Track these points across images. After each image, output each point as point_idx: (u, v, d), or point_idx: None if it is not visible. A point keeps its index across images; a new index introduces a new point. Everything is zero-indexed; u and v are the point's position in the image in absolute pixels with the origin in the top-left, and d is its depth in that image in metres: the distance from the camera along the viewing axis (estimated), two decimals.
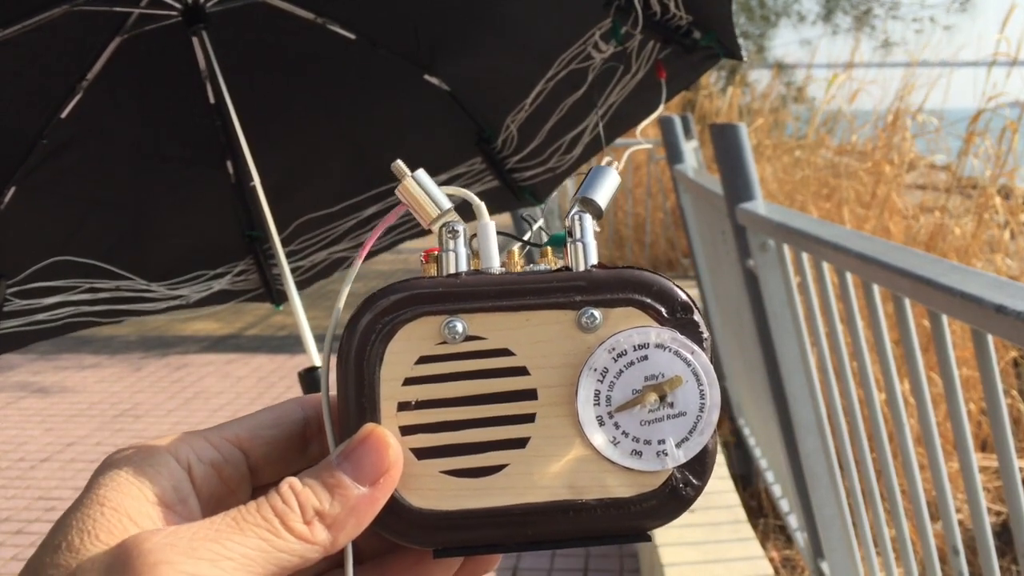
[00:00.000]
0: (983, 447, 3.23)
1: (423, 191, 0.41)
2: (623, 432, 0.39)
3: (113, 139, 1.77)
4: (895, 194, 4.44)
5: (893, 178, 4.60)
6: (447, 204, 0.40)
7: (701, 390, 0.39)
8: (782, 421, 2.23)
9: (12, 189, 1.67)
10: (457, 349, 0.39)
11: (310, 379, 1.60)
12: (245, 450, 0.40)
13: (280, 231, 1.65)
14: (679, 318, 0.39)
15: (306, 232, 1.83)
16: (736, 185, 2.32)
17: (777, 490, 2.86)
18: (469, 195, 0.42)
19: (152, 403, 4.62)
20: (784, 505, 2.75)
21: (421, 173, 0.41)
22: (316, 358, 1.60)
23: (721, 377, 3.69)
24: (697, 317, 0.40)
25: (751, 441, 3.28)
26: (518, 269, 0.40)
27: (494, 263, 0.40)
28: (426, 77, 1.76)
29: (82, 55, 1.64)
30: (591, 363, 0.39)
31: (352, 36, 1.72)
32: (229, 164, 1.79)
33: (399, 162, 0.41)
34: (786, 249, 2.06)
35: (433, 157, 1.82)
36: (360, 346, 0.38)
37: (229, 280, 1.85)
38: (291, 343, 5.50)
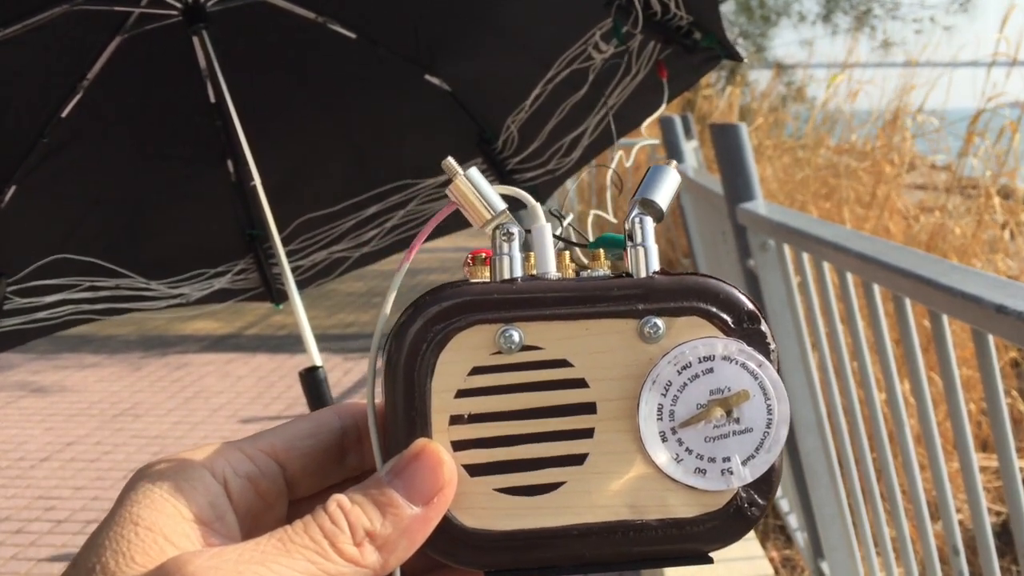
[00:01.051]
0: (983, 447, 3.23)
1: (476, 191, 0.38)
2: (687, 449, 0.37)
3: (113, 138, 1.77)
4: (895, 194, 4.44)
5: (893, 178, 4.60)
6: (501, 205, 0.38)
7: (768, 405, 0.37)
8: None
9: (12, 187, 1.68)
10: (513, 360, 0.37)
11: (311, 379, 1.60)
12: (281, 462, 0.38)
13: (280, 230, 1.65)
14: (745, 328, 0.38)
15: (306, 231, 1.83)
16: (736, 185, 2.32)
17: (777, 490, 2.86)
18: (524, 195, 0.39)
19: (152, 402, 4.62)
20: (784, 505, 2.75)
21: (474, 171, 0.38)
22: (317, 357, 1.60)
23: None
24: (764, 327, 0.38)
25: None
26: (570, 273, 0.38)
27: (550, 268, 0.38)
28: (427, 77, 1.76)
29: (82, 54, 1.64)
30: (654, 376, 0.37)
31: (353, 35, 1.72)
32: (229, 163, 1.79)
33: (450, 159, 0.38)
34: (786, 249, 2.06)
35: (433, 157, 1.82)
36: (410, 355, 0.36)
37: (229, 279, 1.85)
38: (291, 342, 5.50)
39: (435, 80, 1.76)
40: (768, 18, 13.55)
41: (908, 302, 1.45)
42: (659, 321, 0.37)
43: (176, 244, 1.84)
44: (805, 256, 1.93)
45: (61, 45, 1.62)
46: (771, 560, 2.72)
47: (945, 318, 1.33)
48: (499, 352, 0.37)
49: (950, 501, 1.46)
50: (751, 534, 2.55)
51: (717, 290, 0.38)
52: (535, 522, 0.37)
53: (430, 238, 0.42)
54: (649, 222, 0.39)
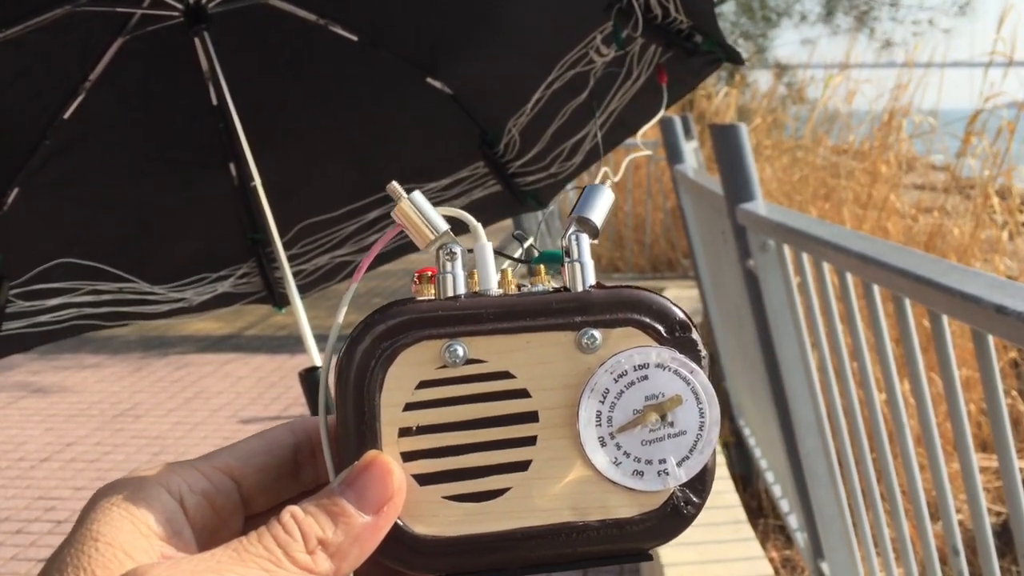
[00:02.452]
0: (983, 447, 3.23)
1: (419, 213, 0.40)
2: (624, 452, 0.39)
3: (115, 140, 1.77)
4: (893, 194, 4.44)
5: (890, 178, 4.61)
6: (444, 226, 0.40)
7: (700, 409, 0.39)
8: (782, 421, 2.24)
9: (15, 190, 1.68)
10: (458, 373, 0.38)
11: (311, 379, 1.60)
12: (236, 479, 0.40)
13: (282, 234, 1.65)
14: (677, 337, 0.40)
15: (308, 236, 1.83)
16: (736, 185, 2.32)
17: (777, 490, 2.86)
18: (466, 216, 0.41)
19: (152, 403, 4.63)
20: (784, 505, 2.75)
21: (417, 195, 0.40)
22: (317, 358, 1.60)
23: (721, 378, 3.70)
24: (695, 335, 0.40)
25: (751, 441, 3.29)
26: (512, 289, 0.40)
27: (492, 285, 0.40)
28: (428, 80, 1.76)
29: (84, 56, 1.65)
30: (592, 384, 0.39)
31: (354, 38, 1.72)
32: (231, 166, 1.79)
33: (394, 183, 0.40)
34: (786, 249, 2.06)
35: (435, 160, 1.82)
36: (359, 371, 0.38)
37: (232, 283, 1.85)
38: (291, 343, 5.50)
39: (437, 83, 1.77)
40: (769, 18, 13.55)
41: (908, 302, 1.45)
42: (596, 332, 0.39)
43: (178, 248, 1.84)
44: (805, 256, 1.93)
45: (63, 46, 1.62)
46: (771, 560, 2.73)
47: (945, 318, 1.34)
48: (444, 366, 0.38)
49: (950, 501, 1.46)
50: (751, 534, 2.55)
51: (650, 302, 0.40)
52: (483, 527, 0.38)
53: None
54: (585, 239, 0.41)
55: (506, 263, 0.42)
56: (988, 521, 1.37)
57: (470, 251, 0.40)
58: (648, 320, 0.39)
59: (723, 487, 2.85)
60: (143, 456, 3.95)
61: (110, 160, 1.77)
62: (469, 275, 0.40)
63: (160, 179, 1.80)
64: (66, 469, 3.84)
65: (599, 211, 0.42)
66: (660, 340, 0.39)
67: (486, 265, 0.40)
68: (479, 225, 0.41)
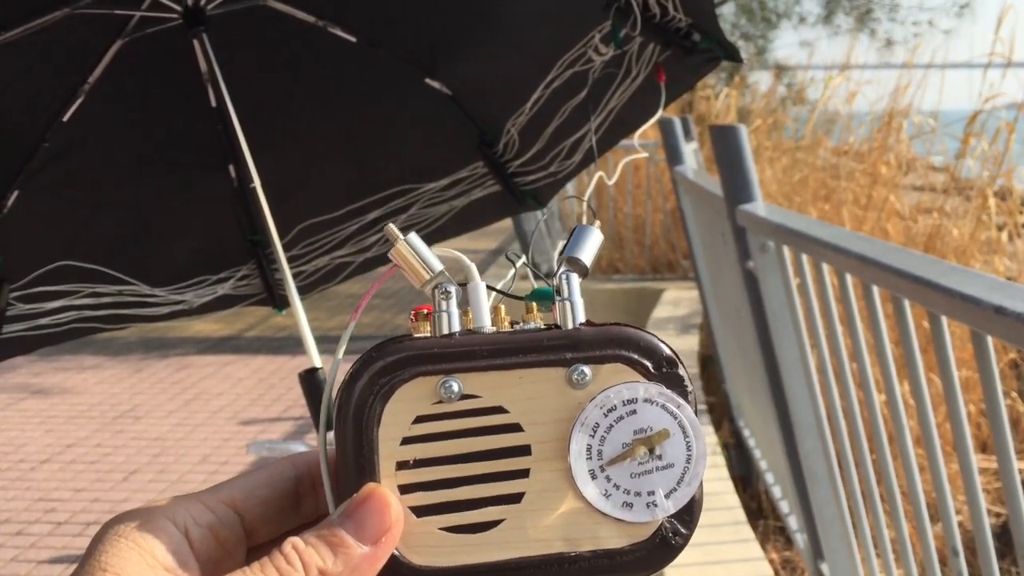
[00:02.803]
0: (983, 448, 3.23)
1: (415, 254, 0.41)
2: (614, 485, 0.40)
3: (114, 142, 1.77)
4: (893, 195, 4.44)
5: (889, 179, 4.61)
6: (438, 266, 0.41)
7: (687, 442, 0.40)
8: (782, 422, 2.23)
9: (15, 193, 1.68)
10: (453, 408, 0.40)
11: (310, 380, 1.60)
12: (240, 511, 0.41)
13: (282, 236, 1.65)
14: (664, 372, 0.41)
15: (308, 237, 1.83)
16: (736, 186, 2.32)
17: (777, 491, 2.86)
18: (460, 256, 0.43)
19: (152, 404, 4.63)
20: (784, 506, 2.75)
21: (413, 236, 0.42)
22: (317, 359, 1.60)
23: (721, 379, 3.70)
24: (682, 371, 0.41)
25: (751, 442, 3.29)
26: (505, 326, 0.41)
27: (486, 322, 0.41)
28: (427, 81, 1.76)
29: (83, 58, 1.65)
30: (582, 419, 0.40)
31: (353, 39, 1.72)
32: (231, 168, 1.79)
33: (391, 225, 0.42)
34: (786, 250, 2.06)
35: (435, 161, 1.82)
36: (358, 407, 0.39)
37: (231, 285, 1.85)
38: (291, 344, 5.50)
39: (435, 84, 1.76)
40: (769, 20, 13.56)
41: (907, 303, 1.45)
42: (586, 368, 0.40)
43: (178, 250, 1.84)
44: (804, 257, 1.93)
45: (62, 49, 1.62)
46: (771, 562, 2.73)
47: (944, 319, 1.34)
48: (440, 401, 0.40)
49: (949, 502, 1.46)
50: (751, 535, 2.55)
51: (638, 339, 0.41)
52: (478, 557, 0.40)
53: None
54: (575, 278, 0.42)
55: (493, 296, 0.44)
56: (988, 522, 1.37)
57: (463, 285, 0.42)
58: (636, 356, 0.41)
59: (723, 488, 2.85)
60: (143, 458, 3.95)
61: (109, 162, 1.77)
62: (464, 312, 0.41)
63: (159, 181, 1.80)
64: (66, 471, 3.84)
65: (588, 251, 0.43)
66: (648, 376, 0.41)
67: (480, 304, 0.42)
68: (472, 265, 0.43)
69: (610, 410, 0.40)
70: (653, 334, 0.41)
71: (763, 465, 3.06)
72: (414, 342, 0.40)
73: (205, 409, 4.53)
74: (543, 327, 0.42)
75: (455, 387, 0.39)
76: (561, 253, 0.43)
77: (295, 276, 1.68)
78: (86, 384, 4.99)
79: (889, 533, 1.82)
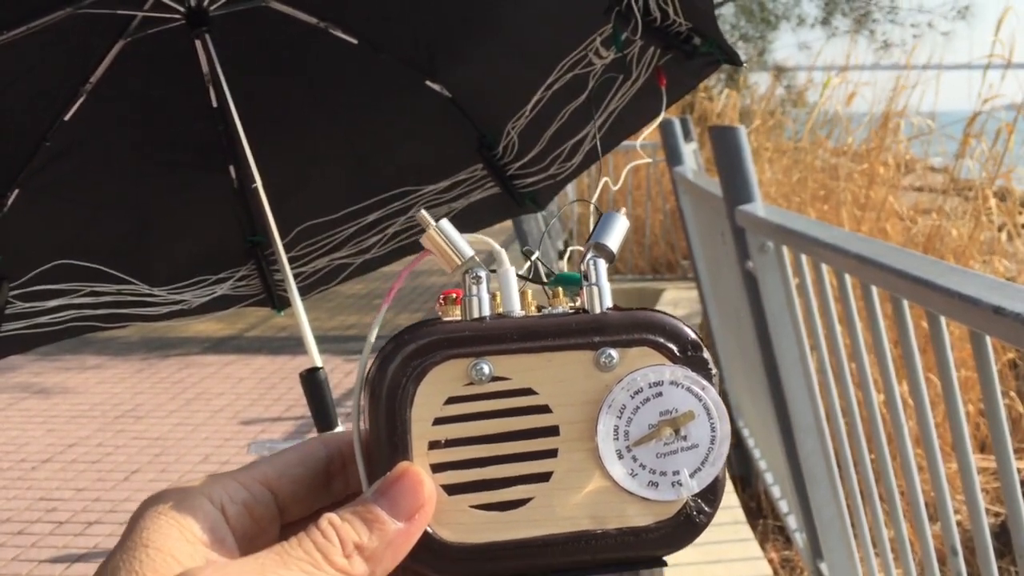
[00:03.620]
0: (981, 448, 3.24)
1: (447, 240, 0.43)
2: (640, 465, 0.41)
3: (116, 142, 1.77)
4: (891, 196, 4.45)
5: (888, 180, 4.61)
6: (469, 252, 0.43)
7: (712, 423, 0.42)
8: (781, 422, 2.24)
9: (16, 192, 1.68)
10: (484, 390, 0.41)
11: (311, 380, 1.61)
12: (273, 489, 0.42)
13: (281, 237, 1.65)
14: (690, 356, 0.42)
15: (307, 238, 1.83)
16: (735, 187, 2.33)
17: (776, 491, 2.87)
18: (491, 243, 0.44)
19: (153, 404, 4.63)
20: (783, 506, 2.75)
21: (445, 222, 0.43)
22: (317, 359, 1.61)
23: (721, 380, 3.70)
24: (706, 354, 0.42)
25: (750, 442, 3.29)
26: (533, 310, 0.43)
27: (515, 307, 0.42)
28: (428, 83, 1.76)
29: (85, 58, 1.65)
30: (609, 400, 0.41)
31: (354, 41, 1.72)
32: (231, 168, 1.79)
33: (424, 212, 0.43)
34: (785, 251, 2.07)
35: (434, 162, 1.83)
36: (392, 388, 0.40)
37: (231, 285, 1.86)
38: (292, 344, 5.51)
39: (436, 86, 1.77)
40: (768, 21, 13.56)
41: (906, 304, 1.46)
42: (613, 352, 0.42)
43: (178, 250, 1.84)
44: (804, 258, 1.94)
45: (64, 48, 1.62)
46: (770, 561, 2.73)
47: (943, 319, 1.34)
48: (471, 383, 0.41)
49: (948, 502, 1.47)
50: (750, 535, 2.55)
51: (664, 323, 0.42)
52: (507, 535, 0.41)
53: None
54: (602, 263, 0.44)
55: (521, 283, 0.45)
56: (986, 522, 1.37)
57: (493, 271, 0.43)
58: (662, 340, 0.42)
59: None
60: (144, 457, 3.95)
61: (110, 162, 1.77)
62: (492, 297, 0.42)
63: (160, 181, 1.80)
64: (67, 470, 3.85)
65: (615, 237, 0.45)
66: (673, 359, 0.42)
67: (509, 288, 0.43)
68: (503, 251, 0.44)
69: (636, 392, 0.41)
70: (678, 319, 0.42)
71: (762, 465, 3.07)
72: (446, 325, 0.41)
73: (206, 409, 4.53)
74: (571, 311, 0.43)
75: (486, 369, 0.40)
76: (588, 239, 0.44)
77: (294, 277, 1.68)
78: (87, 384, 4.99)
79: (888, 532, 1.83)
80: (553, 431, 0.41)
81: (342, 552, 0.38)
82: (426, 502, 0.39)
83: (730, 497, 2.80)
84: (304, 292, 1.83)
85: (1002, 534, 2.49)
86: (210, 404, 4.60)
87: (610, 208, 0.48)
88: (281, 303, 1.88)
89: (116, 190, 1.79)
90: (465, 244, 0.43)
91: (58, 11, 1.53)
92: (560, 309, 0.43)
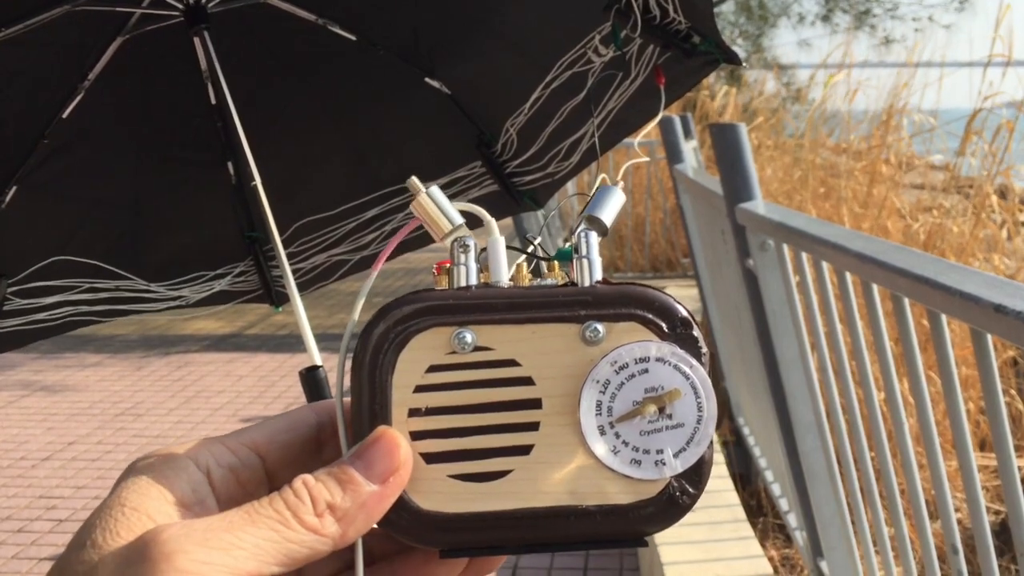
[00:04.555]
0: (982, 446, 3.23)
1: (436, 206, 0.42)
2: (623, 442, 0.40)
3: (114, 139, 1.77)
4: (892, 194, 4.44)
5: (889, 178, 4.61)
6: (459, 219, 0.42)
7: (699, 403, 0.41)
8: (781, 420, 2.24)
9: (13, 188, 1.68)
10: (466, 359, 0.40)
11: (311, 378, 1.60)
12: (262, 454, 0.42)
13: (280, 233, 1.65)
14: (679, 333, 0.41)
15: (306, 234, 1.83)
16: (735, 185, 2.32)
17: (776, 489, 2.86)
18: (481, 211, 0.43)
19: (153, 402, 4.63)
20: (783, 504, 2.75)
21: (435, 189, 0.42)
22: (317, 357, 1.60)
23: (721, 377, 3.70)
24: (696, 332, 0.41)
25: (750, 440, 3.29)
26: (526, 283, 0.42)
27: (503, 277, 0.42)
28: (427, 80, 1.76)
29: (83, 55, 1.65)
30: (594, 375, 0.40)
31: (353, 37, 1.72)
32: (230, 165, 1.79)
33: (414, 178, 0.43)
34: (785, 249, 2.06)
35: (433, 160, 1.82)
36: (374, 354, 0.40)
37: (229, 281, 1.86)
38: (292, 342, 5.51)
39: (435, 83, 1.76)
40: (767, 18, 13.55)
41: (907, 301, 1.45)
42: (599, 326, 0.41)
43: (176, 246, 1.84)
44: (804, 256, 1.94)
45: (62, 45, 1.62)
46: (770, 559, 2.73)
47: (944, 317, 1.34)
48: (454, 352, 0.40)
49: (949, 500, 1.46)
50: (750, 533, 2.55)
51: (653, 298, 0.41)
52: (485, 506, 0.40)
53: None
54: (594, 236, 0.43)
55: (522, 257, 0.44)
56: (987, 520, 1.37)
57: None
58: (651, 316, 0.41)
59: (723, 486, 2.86)
60: None
61: (108, 159, 1.77)
62: (483, 268, 0.42)
63: (158, 177, 1.80)
64: (67, 468, 3.84)
65: (609, 211, 0.44)
66: (662, 335, 0.41)
67: (498, 258, 0.42)
68: (492, 220, 0.43)
69: (622, 367, 0.40)
70: (669, 295, 0.42)
71: (762, 463, 3.07)
72: (431, 293, 0.41)
73: (206, 407, 4.53)
74: (560, 283, 0.42)
75: (469, 338, 0.40)
76: (582, 212, 0.44)
77: (292, 273, 1.68)
78: (87, 381, 4.99)
79: (888, 531, 1.83)
80: (535, 404, 0.41)
81: (313, 511, 0.37)
82: (401, 466, 0.39)
83: (730, 495, 2.80)
84: (302, 288, 1.83)
85: (1002, 532, 2.48)
86: (210, 402, 4.60)
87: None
88: (279, 299, 1.88)
89: (114, 187, 1.79)
90: (455, 211, 0.42)
91: (56, 8, 1.52)
92: (550, 281, 0.42)
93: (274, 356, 5.34)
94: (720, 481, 2.89)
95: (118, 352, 5.49)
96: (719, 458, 3.12)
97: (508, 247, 0.43)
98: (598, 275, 0.42)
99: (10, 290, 1.69)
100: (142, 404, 4.60)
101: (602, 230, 0.43)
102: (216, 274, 1.84)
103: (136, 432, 4.23)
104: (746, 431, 3.36)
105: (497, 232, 0.42)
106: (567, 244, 0.44)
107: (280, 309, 1.89)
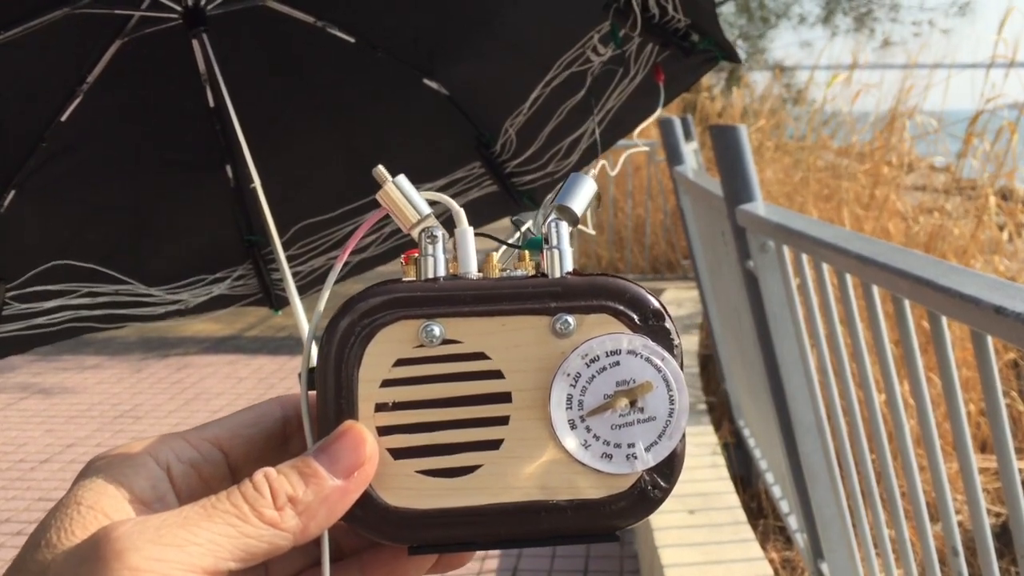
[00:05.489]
0: (982, 448, 3.23)
1: (403, 196, 0.41)
2: (594, 436, 0.40)
3: (112, 142, 1.77)
4: (894, 195, 4.44)
5: (891, 179, 4.61)
6: (427, 209, 0.41)
7: (671, 395, 0.40)
8: (782, 422, 2.23)
9: (12, 192, 1.68)
10: (434, 352, 0.40)
11: (311, 379, 1.60)
12: (225, 450, 0.41)
13: (279, 236, 1.65)
14: (651, 325, 0.40)
15: (305, 237, 1.83)
16: (736, 186, 2.32)
17: (777, 491, 2.86)
18: (448, 201, 0.42)
19: (152, 404, 4.63)
20: (784, 506, 2.75)
21: (402, 179, 0.42)
22: (316, 359, 1.60)
23: (721, 379, 3.70)
24: (668, 324, 0.41)
25: (751, 442, 3.29)
26: (495, 274, 0.41)
27: (471, 268, 0.41)
28: (425, 81, 1.76)
29: (82, 58, 1.65)
30: (564, 368, 0.40)
31: (351, 39, 1.72)
32: (228, 168, 1.79)
33: (380, 168, 0.42)
34: (786, 250, 2.06)
35: (432, 161, 1.82)
36: (339, 348, 0.40)
37: (228, 285, 1.85)
38: (291, 344, 5.51)
39: (433, 84, 1.76)
40: (768, 20, 13.56)
41: (907, 303, 1.45)
42: (570, 318, 0.40)
43: (175, 250, 1.84)
44: (804, 257, 1.93)
45: (61, 48, 1.62)
46: (771, 561, 2.72)
47: (944, 319, 1.33)
48: (421, 345, 0.39)
49: (949, 502, 1.46)
50: (751, 535, 2.55)
51: (624, 290, 0.40)
52: (454, 502, 0.40)
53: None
54: (564, 226, 0.42)
55: (497, 247, 0.44)
56: (987, 522, 1.36)
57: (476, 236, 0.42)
58: (622, 308, 0.40)
59: (723, 488, 2.85)
60: None
61: (107, 162, 1.77)
62: (452, 259, 0.41)
63: (157, 181, 1.80)
64: (66, 470, 3.84)
65: (580, 199, 0.43)
66: (633, 327, 0.40)
67: (467, 249, 0.41)
68: (461, 210, 0.42)
69: (592, 360, 0.40)
70: (641, 286, 0.41)
71: (763, 465, 3.06)
72: (398, 285, 0.40)
73: (205, 409, 4.53)
74: (529, 275, 0.41)
75: (436, 331, 0.39)
76: (552, 200, 0.43)
77: (292, 276, 1.68)
78: (86, 384, 4.99)
79: (889, 533, 1.82)
80: (505, 398, 0.40)
81: (273, 504, 0.37)
82: (367, 461, 0.38)
83: (730, 497, 2.79)
84: (301, 291, 1.83)
85: (1003, 534, 2.48)
86: (209, 404, 4.60)
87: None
88: (278, 302, 1.88)
89: (113, 190, 1.79)
90: (422, 201, 0.41)
91: (55, 11, 1.52)
92: (520, 272, 0.41)
93: (274, 358, 5.33)
94: (721, 483, 2.89)
95: (117, 354, 5.48)
96: (719, 460, 3.11)
97: (479, 234, 0.42)
98: (569, 266, 0.41)
99: (9, 294, 1.69)
100: (141, 406, 4.60)
101: (572, 219, 0.42)
102: (215, 278, 1.84)
103: (135, 434, 4.22)
104: (746, 433, 3.36)
105: (466, 222, 0.42)
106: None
107: (279, 312, 1.89)
